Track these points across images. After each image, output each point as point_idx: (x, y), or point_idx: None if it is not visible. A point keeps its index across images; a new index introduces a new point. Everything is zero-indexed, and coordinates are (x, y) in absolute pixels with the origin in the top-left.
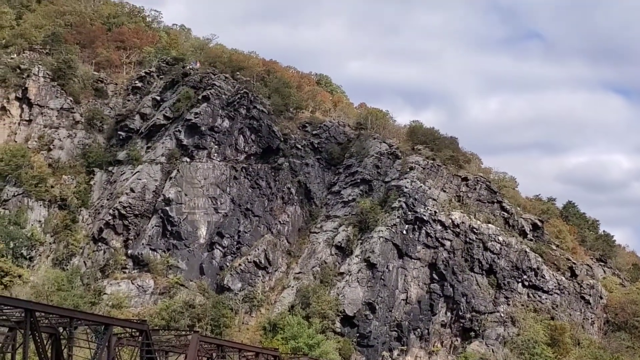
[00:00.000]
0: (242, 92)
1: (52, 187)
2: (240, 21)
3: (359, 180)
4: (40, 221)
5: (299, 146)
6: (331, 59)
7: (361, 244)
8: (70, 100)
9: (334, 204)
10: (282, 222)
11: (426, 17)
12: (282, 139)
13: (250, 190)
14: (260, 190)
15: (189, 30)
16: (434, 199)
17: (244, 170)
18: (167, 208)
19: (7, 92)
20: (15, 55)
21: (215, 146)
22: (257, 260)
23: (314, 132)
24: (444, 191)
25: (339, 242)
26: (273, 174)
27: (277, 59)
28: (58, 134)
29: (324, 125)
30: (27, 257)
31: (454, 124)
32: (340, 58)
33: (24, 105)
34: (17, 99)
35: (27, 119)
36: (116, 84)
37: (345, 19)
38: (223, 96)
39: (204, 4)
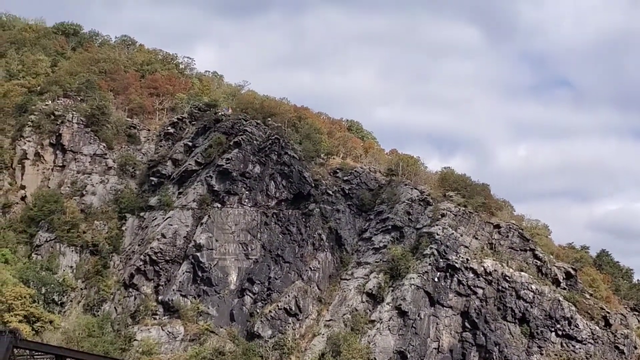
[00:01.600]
0: (273, 138)
1: (84, 232)
2: (270, 68)
3: (390, 227)
4: (72, 267)
5: (330, 192)
6: (360, 105)
7: (392, 291)
8: (104, 146)
9: (365, 251)
10: (312, 268)
11: (456, 64)
12: (313, 185)
13: (281, 236)
14: (291, 236)
15: (221, 77)
16: (466, 247)
17: (274, 216)
18: (198, 254)
19: (42, 138)
20: (50, 102)
21: (247, 192)
22: (288, 307)
23: (345, 178)
24: (476, 238)
25: (370, 289)
26: (304, 219)
27: (307, 105)
28: (91, 180)
29: (355, 171)
30: (59, 302)
31: (484, 170)
32: (369, 104)
33: (57, 151)
34: (51, 145)
35: (61, 164)
36: (149, 130)
37: (374, 67)
38: (254, 142)
39: (234, 51)
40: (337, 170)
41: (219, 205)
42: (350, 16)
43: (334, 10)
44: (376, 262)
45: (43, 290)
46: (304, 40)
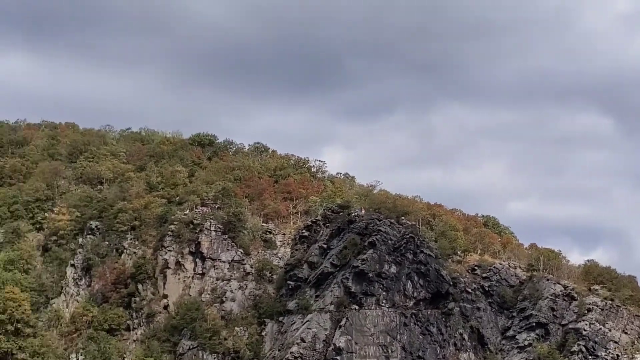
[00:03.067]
0: (408, 236)
1: (225, 339)
2: (399, 167)
3: (534, 324)
4: None
5: (470, 290)
6: (493, 199)
7: None
8: (241, 252)
9: (509, 349)
10: None
11: (589, 154)
12: (452, 283)
13: (421, 337)
14: (431, 337)
15: (353, 178)
16: (615, 342)
17: (413, 317)
18: (338, 357)
19: (182, 247)
20: (189, 211)
21: (384, 292)
22: None
23: (484, 275)
24: (626, 333)
25: None
26: (444, 319)
27: (439, 201)
28: (230, 286)
29: (495, 267)
30: None
31: (629, 261)
32: (502, 199)
33: (197, 259)
34: (190, 253)
35: (201, 272)
36: (284, 234)
37: (504, 161)
38: (389, 241)
39: (362, 152)
40: (476, 267)
41: (357, 307)
42: (476, 111)
43: (460, 107)
44: None
45: None
46: (432, 137)
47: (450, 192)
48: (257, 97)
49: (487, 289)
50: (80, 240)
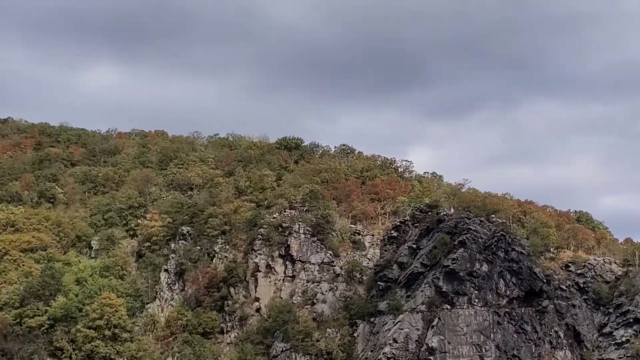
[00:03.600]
0: (499, 234)
1: (317, 341)
2: (486, 164)
3: (631, 320)
4: None
5: (564, 287)
6: (584, 195)
7: None
8: (330, 254)
9: (607, 346)
10: None
11: None
12: (545, 280)
13: (515, 335)
14: (526, 335)
15: (441, 177)
16: None
17: (507, 315)
18: (432, 357)
19: (272, 250)
20: (277, 214)
21: (475, 291)
22: None
23: (579, 272)
24: None
25: None
26: (538, 317)
27: (527, 198)
28: (320, 288)
29: (589, 263)
30: None
31: None
32: (594, 194)
33: (287, 262)
34: (280, 256)
35: (291, 275)
36: (372, 235)
37: (595, 155)
38: (479, 240)
39: (448, 151)
40: (569, 264)
41: (449, 307)
42: (565, 106)
43: (548, 102)
44: (620, 358)
45: None
46: (519, 134)
47: (541, 188)
48: (341, 100)
49: (582, 285)
50: (172, 245)
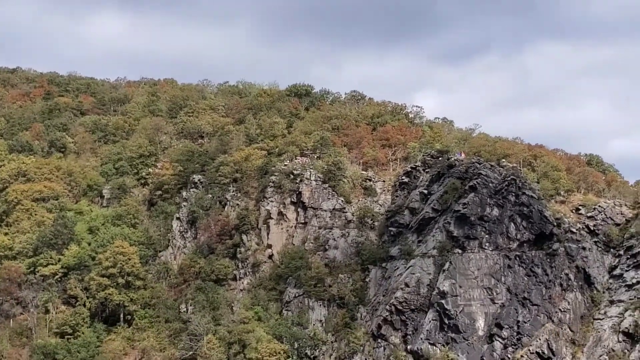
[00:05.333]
0: (509, 179)
1: (330, 286)
2: (495, 109)
3: None
4: (321, 321)
5: (574, 230)
6: (594, 138)
7: None
8: (342, 201)
9: (617, 288)
10: (562, 309)
11: None
12: (555, 224)
13: (526, 278)
14: (536, 278)
15: (451, 123)
16: None
17: (517, 259)
18: (443, 301)
19: (283, 197)
20: (288, 162)
21: (486, 236)
22: (540, 351)
23: (589, 215)
24: None
25: (626, 327)
26: (548, 260)
27: (536, 142)
28: (332, 234)
29: (599, 206)
30: (312, 357)
31: None
32: (605, 137)
33: (299, 209)
34: (292, 203)
35: (303, 221)
36: (384, 181)
37: (606, 98)
38: (490, 184)
39: (456, 96)
40: (580, 207)
41: (460, 251)
42: (575, 49)
43: (557, 45)
44: (630, 299)
45: (296, 345)
46: (529, 78)
47: (551, 132)
48: (349, 46)
49: (592, 228)
50: (184, 194)
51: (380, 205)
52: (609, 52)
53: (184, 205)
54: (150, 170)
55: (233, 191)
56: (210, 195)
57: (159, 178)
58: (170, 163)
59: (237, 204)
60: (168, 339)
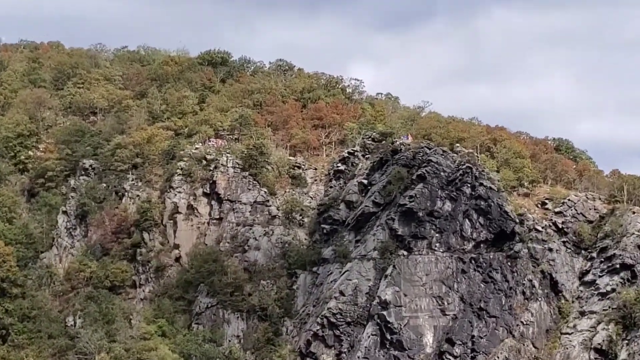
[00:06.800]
0: (464, 167)
1: (249, 295)
2: (441, 84)
3: (618, 266)
4: (238, 336)
5: (539, 228)
6: (558, 120)
7: (627, 345)
8: (265, 192)
9: (589, 297)
10: (525, 322)
11: None
12: (518, 221)
13: (482, 285)
14: (495, 285)
15: (396, 100)
16: None
17: (473, 262)
18: (385, 313)
19: (194, 187)
20: (200, 144)
21: (437, 234)
22: None
23: (557, 210)
24: None
25: (599, 344)
26: (509, 263)
27: (496, 123)
28: (253, 233)
29: (569, 200)
30: None
31: None
32: (570, 118)
33: (212, 202)
34: (204, 194)
35: (217, 217)
36: (315, 169)
37: (568, 73)
38: (442, 174)
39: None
40: (546, 201)
41: (405, 253)
42: (527, 17)
43: (508, 12)
44: (604, 310)
45: None
46: (479, 49)
47: (511, 113)
48: (264, 5)
49: (560, 226)
50: (72, 182)
51: (312, 197)
52: (567, 20)
53: (72, 197)
54: (30, 153)
55: (132, 180)
56: (104, 185)
57: (41, 163)
58: (55, 145)
59: (138, 196)
60: (52, 358)
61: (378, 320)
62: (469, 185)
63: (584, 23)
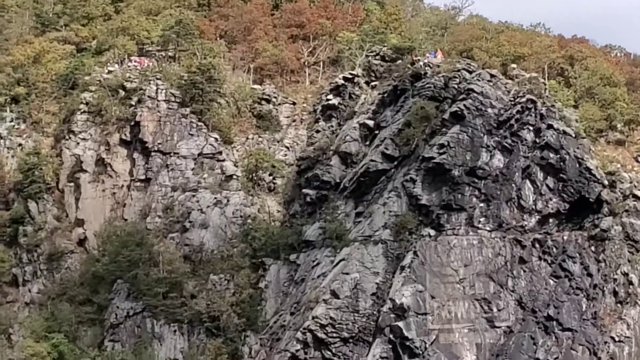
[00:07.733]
0: (524, 101)
1: (192, 297)
2: None
3: None
4: (176, 359)
5: (638, 194)
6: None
7: None
8: (215, 140)
9: None
10: (617, 337)
11: None
12: (607, 183)
13: (552, 281)
14: (571, 282)
15: None
16: None
17: (537, 246)
18: (401, 324)
19: (106, 132)
20: (116, 65)
21: (481, 204)
22: None
23: None
24: None
25: None
26: (593, 248)
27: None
28: (197, 202)
29: None
30: None
31: None
32: None
33: (135, 154)
34: (123, 143)
35: (143, 177)
36: (294, 104)
37: None
38: (489, 110)
39: None
40: None
41: (432, 233)
42: None
43: None
44: None
45: None
46: None
47: (590, 16)
48: None
49: None
50: None
51: (288, 147)
52: None
53: None
54: None
55: (12, 119)
56: None
57: None
58: None
59: (20, 145)
60: None
61: (391, 336)
62: (531, 128)
63: None
